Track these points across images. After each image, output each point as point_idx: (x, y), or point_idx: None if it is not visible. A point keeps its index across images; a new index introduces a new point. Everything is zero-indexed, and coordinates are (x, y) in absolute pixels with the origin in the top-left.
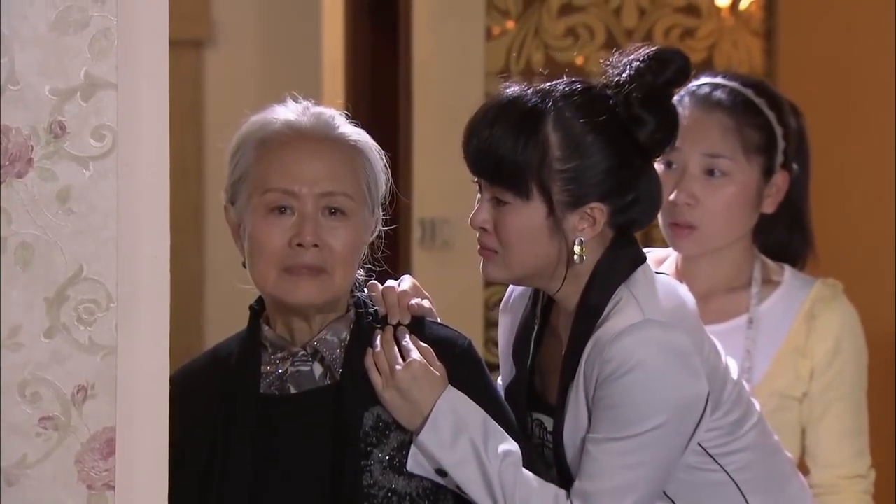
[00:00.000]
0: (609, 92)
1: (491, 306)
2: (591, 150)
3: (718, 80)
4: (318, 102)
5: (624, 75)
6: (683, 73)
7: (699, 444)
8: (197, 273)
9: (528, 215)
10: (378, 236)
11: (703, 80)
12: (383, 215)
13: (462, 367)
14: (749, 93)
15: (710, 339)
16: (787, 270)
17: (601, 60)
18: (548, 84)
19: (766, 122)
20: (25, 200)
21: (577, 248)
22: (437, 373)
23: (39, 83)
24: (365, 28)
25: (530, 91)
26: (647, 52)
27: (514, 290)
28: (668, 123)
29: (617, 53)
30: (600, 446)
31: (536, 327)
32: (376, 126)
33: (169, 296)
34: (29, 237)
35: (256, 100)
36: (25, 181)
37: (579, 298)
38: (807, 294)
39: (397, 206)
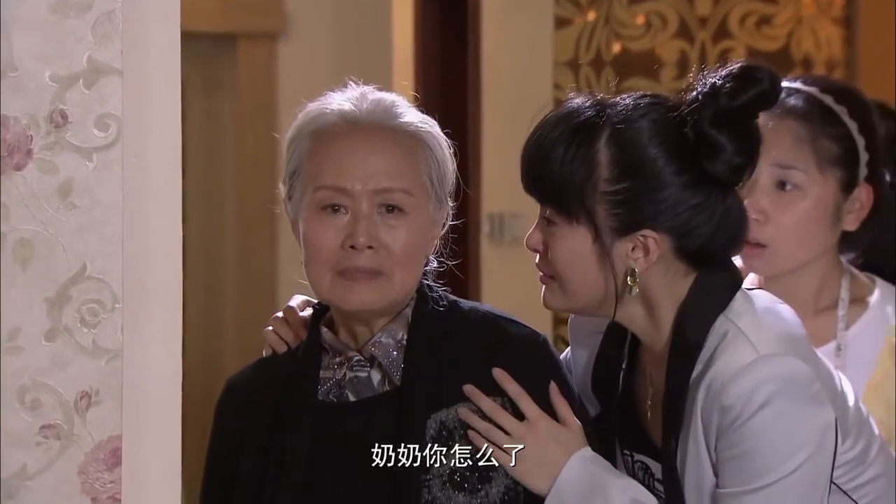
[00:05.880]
0: (681, 111)
1: None
2: (646, 171)
3: (797, 84)
4: (383, 88)
5: (697, 93)
6: (766, 97)
7: (832, 482)
8: (269, 271)
9: (575, 239)
10: (448, 229)
11: (782, 83)
12: (452, 207)
13: (538, 365)
14: (828, 99)
15: (821, 358)
16: (878, 286)
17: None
18: (614, 97)
19: (846, 132)
20: (24, 194)
21: (629, 280)
22: (569, 428)
23: (39, 69)
24: (434, 20)
25: (589, 103)
26: (732, 68)
27: (576, 318)
28: (746, 148)
29: (707, 70)
30: (740, 500)
31: (625, 364)
32: (446, 119)
33: (181, 296)
34: (28, 233)
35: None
36: (24, 174)
37: (671, 336)
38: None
39: (466, 201)
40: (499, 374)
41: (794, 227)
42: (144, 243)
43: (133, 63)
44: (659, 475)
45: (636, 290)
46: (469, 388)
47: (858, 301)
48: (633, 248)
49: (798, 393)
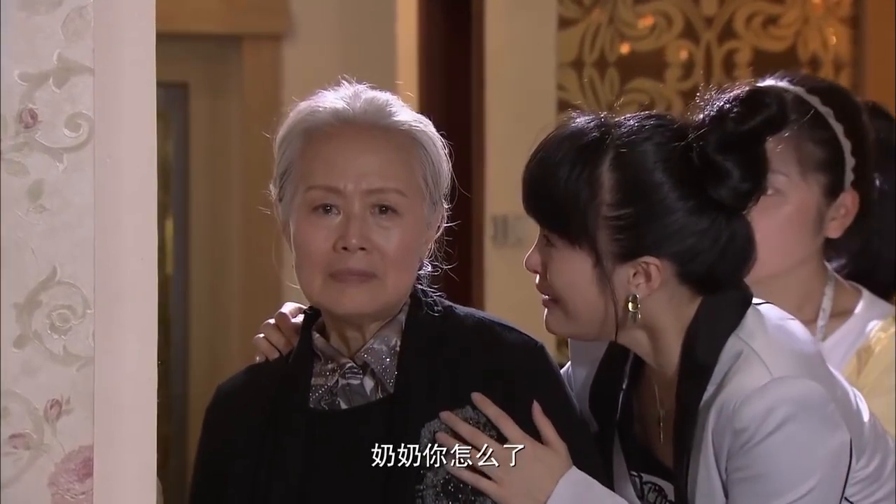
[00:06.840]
0: (687, 135)
1: None
2: (650, 197)
3: (783, 84)
4: (377, 87)
5: (703, 117)
6: (773, 122)
7: (847, 499)
8: (274, 273)
9: (575, 262)
10: (443, 231)
11: (767, 82)
12: (447, 209)
13: (533, 375)
14: (814, 101)
15: (836, 376)
16: (864, 298)
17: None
18: (619, 117)
19: (831, 135)
20: None
21: (630, 306)
22: (554, 450)
23: (7, 67)
24: (438, 20)
25: (594, 123)
26: (739, 91)
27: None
28: (752, 174)
29: (715, 89)
30: None
31: (625, 385)
32: (449, 120)
33: (156, 301)
34: None
35: None
36: None
37: (681, 358)
38: (875, 326)
39: (469, 203)
40: (478, 398)
41: (773, 234)
42: (118, 247)
43: (105, 61)
44: (672, 496)
45: (638, 316)
46: (478, 397)
47: (842, 313)
48: (634, 274)
49: (812, 416)
